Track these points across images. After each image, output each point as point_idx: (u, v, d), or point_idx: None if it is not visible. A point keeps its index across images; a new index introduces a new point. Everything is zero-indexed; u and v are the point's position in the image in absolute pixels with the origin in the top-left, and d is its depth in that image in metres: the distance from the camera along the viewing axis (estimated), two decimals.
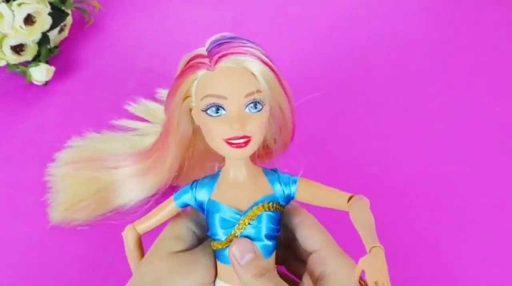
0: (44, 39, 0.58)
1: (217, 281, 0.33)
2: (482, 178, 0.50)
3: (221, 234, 0.32)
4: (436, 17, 0.66)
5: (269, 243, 0.32)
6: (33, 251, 0.45)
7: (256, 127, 0.30)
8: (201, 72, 0.31)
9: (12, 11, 0.53)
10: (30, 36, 0.56)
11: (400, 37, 0.63)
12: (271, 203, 0.32)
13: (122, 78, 0.59)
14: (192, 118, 0.33)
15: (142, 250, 0.35)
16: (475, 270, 0.44)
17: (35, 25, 0.56)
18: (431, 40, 0.63)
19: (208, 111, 0.30)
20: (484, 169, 0.50)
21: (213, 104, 0.30)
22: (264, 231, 0.32)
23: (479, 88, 0.57)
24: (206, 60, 0.31)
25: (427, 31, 0.64)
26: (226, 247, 0.31)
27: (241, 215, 0.31)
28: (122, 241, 0.35)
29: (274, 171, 0.33)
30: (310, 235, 0.32)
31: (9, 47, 0.55)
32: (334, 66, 0.60)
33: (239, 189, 0.32)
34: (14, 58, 0.56)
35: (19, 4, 0.54)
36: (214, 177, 0.33)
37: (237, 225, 0.31)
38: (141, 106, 0.55)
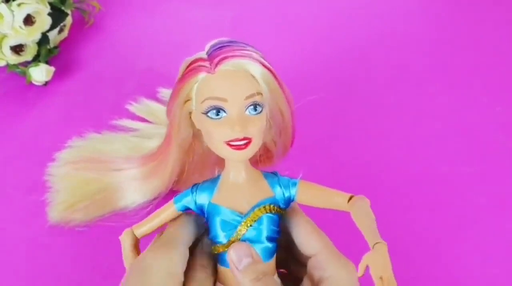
0: (43, 39, 0.58)
1: (218, 285, 0.33)
2: (482, 178, 0.50)
3: (222, 237, 0.32)
4: (436, 17, 0.66)
5: (269, 245, 0.32)
6: (33, 251, 0.45)
7: (257, 129, 0.30)
8: (202, 75, 0.31)
9: (12, 11, 0.53)
10: (30, 37, 0.56)
11: (400, 37, 0.63)
12: (271, 205, 0.32)
13: (122, 78, 0.59)
14: (192, 122, 0.33)
15: (139, 254, 0.34)
16: (475, 270, 0.44)
17: (35, 25, 0.56)
18: (431, 40, 0.63)
19: (209, 114, 0.30)
20: (484, 169, 0.50)
21: (213, 107, 0.30)
22: (265, 233, 0.32)
23: (479, 88, 0.57)
24: (206, 64, 0.31)
25: (427, 31, 0.64)
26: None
27: (242, 217, 0.31)
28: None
29: (274, 174, 0.33)
30: (308, 239, 0.32)
31: (8, 48, 0.55)
32: (334, 66, 0.60)
33: (239, 191, 0.32)
34: (14, 59, 0.56)
35: (19, 4, 0.54)
36: (214, 180, 0.33)
37: (239, 227, 0.31)
38: (143, 106, 0.55)
